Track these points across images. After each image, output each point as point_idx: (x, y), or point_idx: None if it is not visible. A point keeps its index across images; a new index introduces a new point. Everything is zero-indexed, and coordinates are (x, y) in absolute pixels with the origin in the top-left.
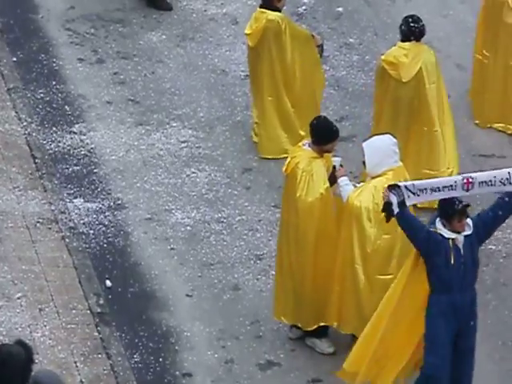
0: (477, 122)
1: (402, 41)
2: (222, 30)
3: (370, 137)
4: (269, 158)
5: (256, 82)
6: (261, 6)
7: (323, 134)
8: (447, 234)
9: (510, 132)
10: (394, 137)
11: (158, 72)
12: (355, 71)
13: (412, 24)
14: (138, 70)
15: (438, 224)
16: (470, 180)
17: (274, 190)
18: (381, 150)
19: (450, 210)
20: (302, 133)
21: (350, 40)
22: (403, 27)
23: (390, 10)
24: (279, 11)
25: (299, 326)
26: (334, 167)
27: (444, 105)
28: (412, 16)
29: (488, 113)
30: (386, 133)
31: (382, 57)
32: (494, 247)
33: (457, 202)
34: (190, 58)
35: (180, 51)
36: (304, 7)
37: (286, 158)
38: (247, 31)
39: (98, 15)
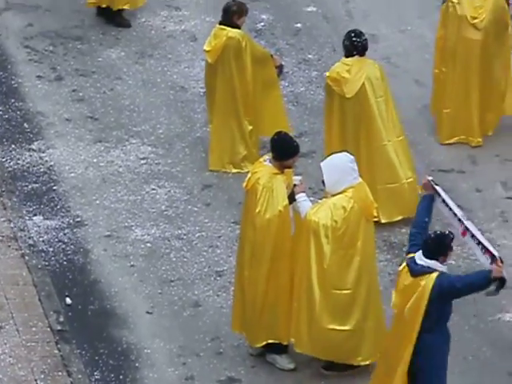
0: (439, 136)
1: (346, 56)
2: (180, 47)
3: (326, 155)
4: (219, 171)
5: (212, 98)
6: (220, 23)
7: (283, 150)
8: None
9: (473, 144)
10: (351, 154)
11: (116, 89)
12: (314, 87)
13: (354, 39)
14: (97, 87)
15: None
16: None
17: (234, 206)
18: (338, 167)
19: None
20: (255, 150)
21: (309, 56)
22: (346, 42)
23: (349, 26)
24: (239, 28)
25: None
26: (295, 185)
27: (394, 117)
28: (354, 31)
29: (450, 127)
30: (342, 150)
31: (327, 73)
32: (453, 262)
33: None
34: (149, 74)
35: (139, 68)
36: (262, 23)
37: (244, 173)
38: (206, 48)
39: (56, 32)
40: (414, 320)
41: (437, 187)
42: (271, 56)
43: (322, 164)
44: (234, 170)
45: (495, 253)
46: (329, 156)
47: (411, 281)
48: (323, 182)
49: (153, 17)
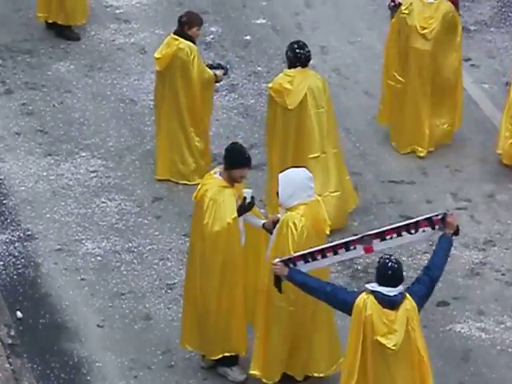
0: (393, 144)
1: (289, 67)
2: (130, 60)
3: (268, 166)
4: (170, 183)
5: (160, 108)
6: (174, 33)
7: (233, 159)
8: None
9: (421, 155)
10: (310, 171)
11: (66, 102)
12: (264, 99)
13: (298, 50)
14: (47, 100)
15: None
16: (371, 248)
17: (185, 219)
18: (294, 182)
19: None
20: (202, 162)
21: (259, 68)
22: (289, 54)
23: (298, 38)
24: (193, 41)
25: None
26: (245, 198)
27: (333, 129)
28: (297, 42)
29: (404, 137)
30: (301, 166)
31: (269, 85)
32: (404, 273)
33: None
34: (99, 87)
35: (88, 81)
36: (212, 36)
37: (194, 185)
38: (156, 55)
39: (5, 46)
40: (420, 343)
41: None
42: (215, 75)
43: (279, 175)
44: (182, 181)
45: (432, 214)
46: (285, 169)
47: (392, 313)
48: (277, 193)
49: (102, 30)
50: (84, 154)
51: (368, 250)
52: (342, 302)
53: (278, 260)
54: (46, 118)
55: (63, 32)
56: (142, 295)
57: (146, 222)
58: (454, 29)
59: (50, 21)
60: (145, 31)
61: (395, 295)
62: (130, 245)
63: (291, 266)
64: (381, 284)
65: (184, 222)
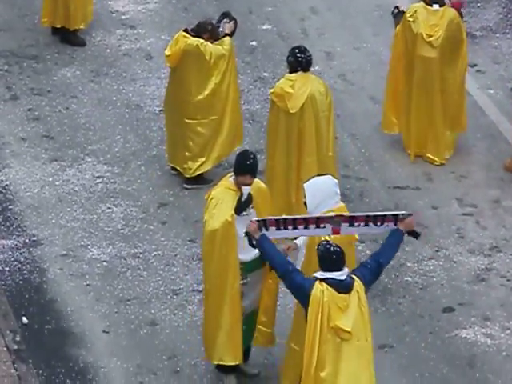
0: (409, 152)
1: (290, 72)
2: (136, 65)
3: (267, 170)
4: (175, 190)
5: (174, 103)
6: (185, 30)
7: (238, 166)
8: None
9: (437, 163)
10: (334, 177)
11: (72, 107)
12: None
13: (299, 55)
14: (53, 105)
15: None
16: (339, 229)
17: (190, 224)
18: (322, 190)
19: None
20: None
21: (264, 74)
22: (290, 58)
23: (304, 44)
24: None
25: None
26: (241, 195)
27: (330, 134)
28: (299, 47)
29: (415, 144)
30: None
31: (271, 90)
32: (410, 279)
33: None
34: (105, 93)
35: (94, 86)
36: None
37: (200, 190)
38: (167, 52)
39: (11, 51)
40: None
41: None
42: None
43: (305, 185)
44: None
45: (399, 212)
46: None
47: (346, 297)
48: (305, 203)
49: (108, 35)
50: (90, 160)
51: (336, 232)
52: (300, 285)
53: (254, 219)
54: (52, 123)
55: (69, 38)
56: (148, 301)
57: (152, 227)
58: (459, 36)
59: (58, 26)
60: (151, 37)
61: (346, 279)
62: (136, 250)
63: (264, 230)
64: (327, 270)
65: (190, 227)
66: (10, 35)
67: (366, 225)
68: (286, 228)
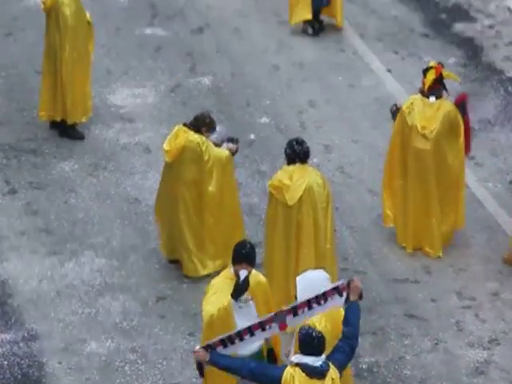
0: (403, 245)
1: (288, 164)
2: (134, 159)
3: (266, 263)
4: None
5: (170, 198)
6: (184, 124)
7: (234, 256)
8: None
9: (433, 256)
10: (326, 272)
11: (70, 201)
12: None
13: (296, 146)
14: (51, 199)
15: None
16: (285, 323)
17: (189, 317)
18: (313, 285)
19: None
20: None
21: (263, 167)
22: (288, 151)
23: (302, 137)
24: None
25: None
26: (238, 278)
27: (328, 225)
28: (296, 139)
29: (411, 237)
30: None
31: (269, 182)
32: (408, 372)
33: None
34: (103, 186)
35: (93, 180)
36: (215, 135)
37: (199, 283)
38: (166, 147)
39: (9, 145)
40: None
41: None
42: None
43: (297, 278)
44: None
45: (338, 283)
46: (302, 271)
47: (319, 383)
48: (295, 296)
49: (106, 129)
50: (88, 254)
51: (283, 327)
52: (270, 377)
53: (198, 347)
54: (51, 217)
55: (67, 131)
56: None
57: (150, 321)
58: (455, 129)
59: (58, 119)
60: (149, 130)
61: (321, 365)
62: (134, 344)
63: (211, 351)
64: (306, 353)
65: (188, 321)
66: (8, 129)
67: (310, 308)
68: (233, 342)
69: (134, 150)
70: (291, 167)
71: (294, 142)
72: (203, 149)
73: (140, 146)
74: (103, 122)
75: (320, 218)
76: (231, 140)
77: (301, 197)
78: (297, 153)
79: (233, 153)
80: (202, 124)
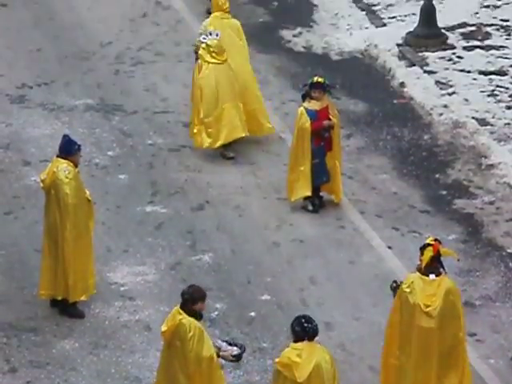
0: None
1: (295, 341)
2: (134, 337)
3: None
4: None
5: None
6: (181, 307)
7: None
8: None
9: None
10: None
11: (71, 380)
12: (269, 376)
13: (306, 324)
14: (51, 378)
15: None
16: None
17: None
18: None
19: None
20: None
21: (264, 344)
22: (296, 328)
23: (303, 314)
24: (198, 314)
25: None
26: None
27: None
28: (304, 316)
29: None
30: None
31: (276, 359)
32: None
33: None
34: (103, 365)
35: (93, 359)
36: (216, 312)
37: None
38: (163, 328)
39: (9, 324)
40: None
41: None
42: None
43: None
44: None
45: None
46: None
47: None
48: None
49: (106, 307)
50: None
51: None
52: None
53: None
54: None
55: (68, 310)
56: None
57: None
58: (456, 305)
59: (60, 298)
60: (149, 308)
61: None
62: None
63: None
64: None
65: None
66: (8, 307)
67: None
68: None
69: (134, 327)
70: (299, 345)
71: (303, 320)
72: (188, 335)
73: (140, 324)
74: (103, 300)
75: None
76: (237, 345)
77: (310, 373)
78: (306, 330)
79: (229, 360)
80: (185, 302)
